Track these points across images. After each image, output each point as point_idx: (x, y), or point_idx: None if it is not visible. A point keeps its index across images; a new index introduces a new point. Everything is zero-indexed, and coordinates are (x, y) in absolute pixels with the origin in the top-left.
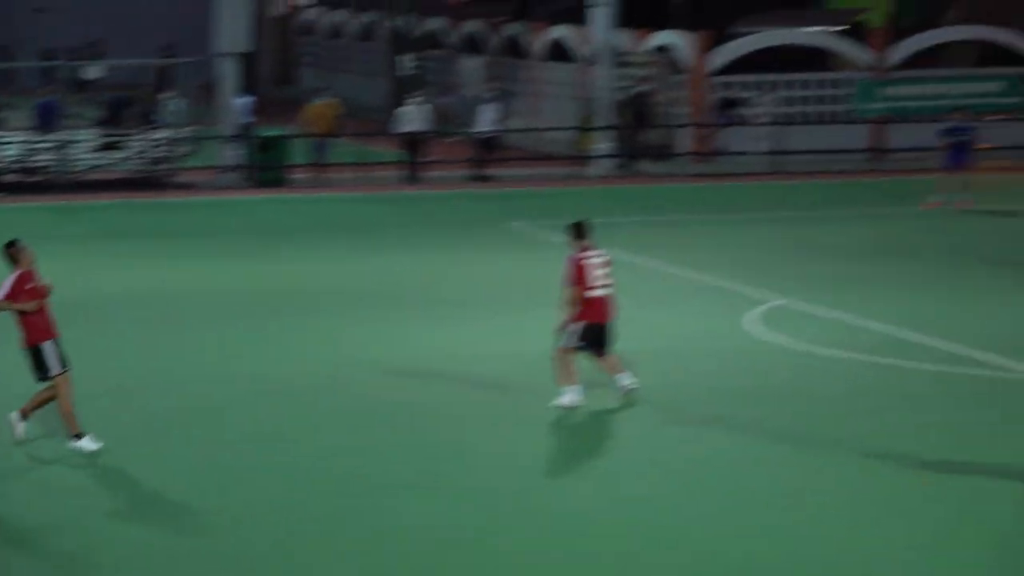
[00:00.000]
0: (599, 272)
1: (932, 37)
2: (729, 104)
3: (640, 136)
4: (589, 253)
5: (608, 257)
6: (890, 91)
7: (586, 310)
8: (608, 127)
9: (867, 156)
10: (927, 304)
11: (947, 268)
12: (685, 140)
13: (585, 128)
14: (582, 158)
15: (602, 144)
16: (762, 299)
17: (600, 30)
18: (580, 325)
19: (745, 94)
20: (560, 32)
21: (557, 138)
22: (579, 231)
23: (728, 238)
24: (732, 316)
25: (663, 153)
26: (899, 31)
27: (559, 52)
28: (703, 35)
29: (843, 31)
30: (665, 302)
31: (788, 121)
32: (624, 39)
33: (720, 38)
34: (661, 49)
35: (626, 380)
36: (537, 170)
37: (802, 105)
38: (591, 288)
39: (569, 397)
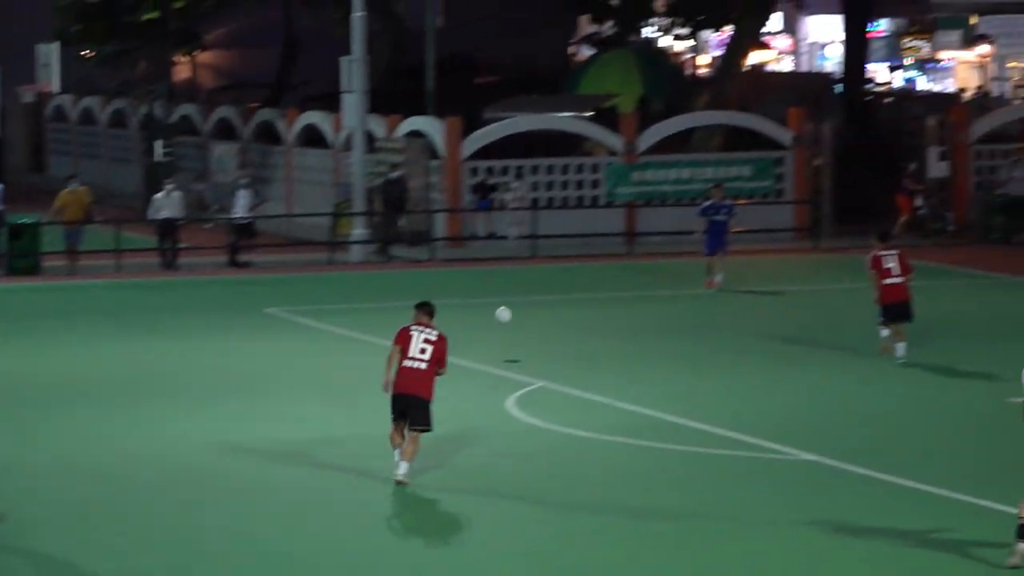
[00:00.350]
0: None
1: (680, 122)
2: (483, 189)
3: (395, 222)
4: (419, 327)
5: (436, 335)
6: (640, 175)
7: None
8: (364, 213)
9: (620, 240)
10: (683, 385)
11: (702, 349)
12: (440, 225)
13: (341, 214)
14: (339, 244)
15: (358, 230)
16: (523, 382)
17: (352, 116)
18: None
19: (500, 179)
20: (313, 118)
21: (313, 224)
22: (423, 308)
23: (486, 322)
24: (494, 399)
25: (419, 239)
26: (648, 117)
27: (313, 138)
28: (455, 121)
29: (593, 116)
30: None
31: (543, 205)
32: (377, 125)
33: (472, 124)
34: (414, 135)
35: (401, 470)
36: (294, 256)
37: (556, 190)
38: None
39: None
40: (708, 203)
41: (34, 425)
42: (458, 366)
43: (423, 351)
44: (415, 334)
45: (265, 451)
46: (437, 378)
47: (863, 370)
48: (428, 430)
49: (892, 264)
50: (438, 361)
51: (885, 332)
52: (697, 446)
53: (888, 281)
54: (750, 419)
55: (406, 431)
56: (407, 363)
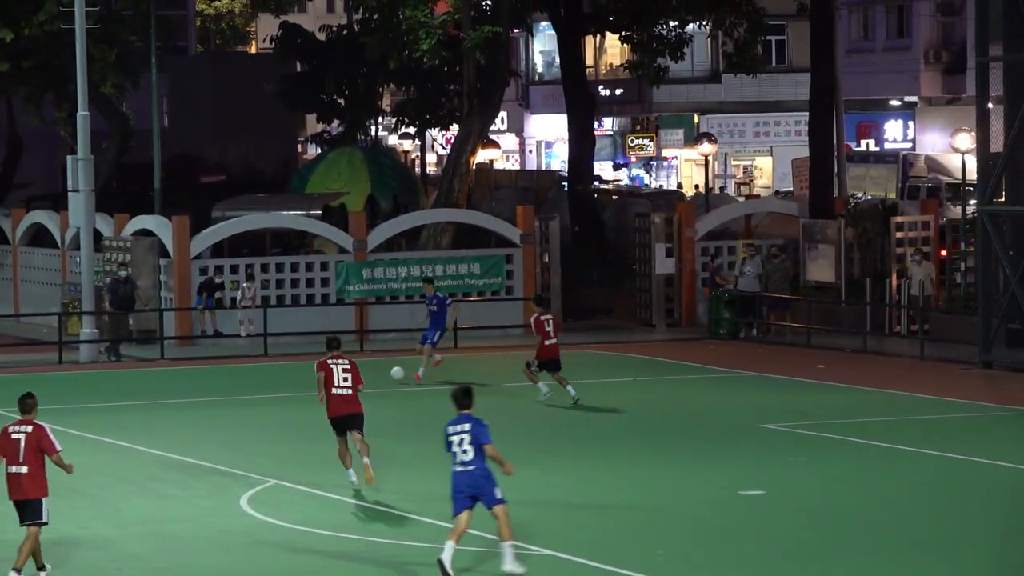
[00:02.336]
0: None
1: (409, 220)
2: (211, 287)
3: (125, 321)
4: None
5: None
6: (371, 273)
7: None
8: (93, 312)
9: (351, 337)
10: (408, 480)
11: (425, 443)
12: (169, 324)
13: (69, 313)
14: (68, 344)
15: (87, 329)
16: (254, 480)
17: (79, 215)
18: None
19: (228, 277)
20: (40, 217)
21: (42, 323)
22: (331, 344)
23: (217, 420)
24: (227, 497)
25: (148, 338)
26: (377, 214)
27: (39, 237)
28: (182, 219)
29: (323, 214)
30: (163, 484)
31: (273, 303)
32: (105, 224)
33: (200, 223)
34: (142, 233)
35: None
36: (22, 356)
37: (286, 287)
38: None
39: None
40: (428, 296)
41: None
42: (190, 464)
43: (346, 379)
44: (334, 366)
45: None
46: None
47: (595, 462)
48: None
49: (550, 328)
50: (358, 381)
51: (544, 388)
52: (434, 543)
53: (548, 342)
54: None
55: (350, 443)
56: (336, 391)
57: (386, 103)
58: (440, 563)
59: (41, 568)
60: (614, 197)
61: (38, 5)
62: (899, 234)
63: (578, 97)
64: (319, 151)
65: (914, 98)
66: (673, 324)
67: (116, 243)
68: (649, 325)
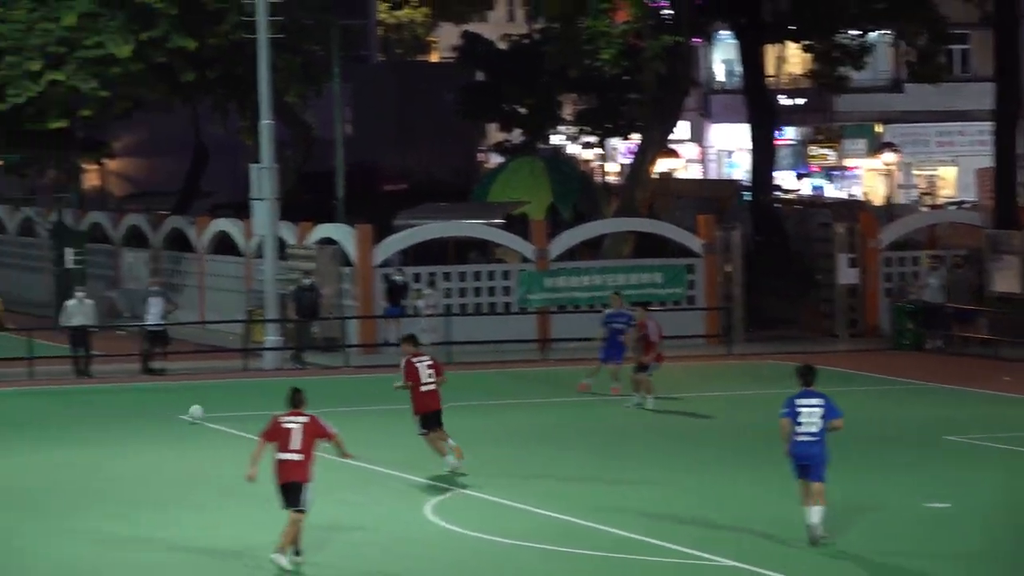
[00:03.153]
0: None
1: (590, 229)
2: (394, 291)
3: (309, 329)
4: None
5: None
6: (552, 282)
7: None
8: (277, 320)
9: (533, 346)
10: (596, 490)
11: (615, 455)
12: (353, 332)
13: (254, 321)
14: (252, 351)
15: (271, 337)
16: (439, 488)
17: (263, 223)
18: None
19: (412, 285)
20: (224, 225)
21: (227, 331)
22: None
23: (400, 428)
24: (411, 505)
25: (332, 345)
26: (558, 223)
27: (224, 245)
28: (366, 228)
29: (504, 224)
30: (345, 492)
31: (455, 312)
32: (288, 232)
33: (382, 231)
34: (325, 241)
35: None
36: (207, 363)
37: (468, 296)
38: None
39: None
40: (608, 311)
41: None
42: (374, 472)
43: (430, 375)
44: (419, 365)
45: (180, 559)
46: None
47: (772, 475)
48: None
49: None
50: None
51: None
52: (611, 551)
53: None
54: (664, 524)
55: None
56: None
57: (567, 112)
58: (810, 528)
59: (297, 553)
60: (796, 207)
61: (221, 15)
62: None
63: (759, 106)
64: (500, 160)
65: None
66: (856, 334)
67: (300, 251)
68: (832, 335)
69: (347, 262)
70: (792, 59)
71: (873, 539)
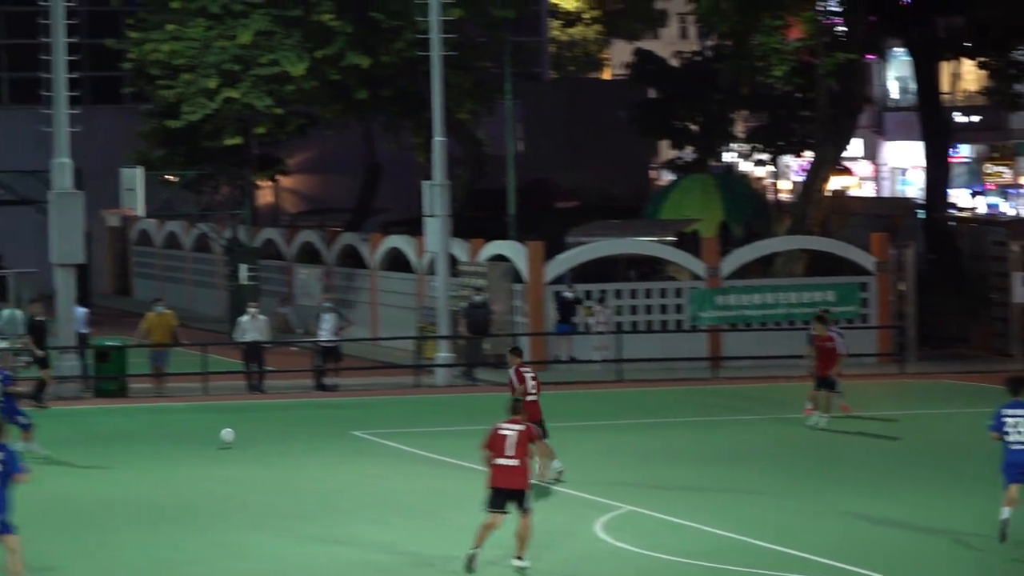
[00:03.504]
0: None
1: (763, 247)
2: (565, 307)
3: (479, 345)
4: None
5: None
6: (724, 299)
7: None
8: (448, 336)
9: (704, 364)
10: (773, 510)
11: (791, 474)
12: (524, 349)
13: (425, 337)
14: (424, 367)
15: (443, 353)
16: (610, 506)
17: (435, 240)
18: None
19: (584, 302)
20: (397, 242)
21: (398, 347)
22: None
23: (571, 445)
24: (582, 522)
25: (502, 362)
26: (729, 241)
27: (396, 261)
28: (537, 245)
29: (675, 241)
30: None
31: (626, 329)
32: (460, 249)
33: (553, 248)
34: (497, 258)
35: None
36: (379, 379)
37: (639, 314)
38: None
39: None
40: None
41: (113, 548)
42: (544, 489)
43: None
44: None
45: (355, 574)
46: None
47: (960, 495)
48: None
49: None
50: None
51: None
52: (783, 571)
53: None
54: (845, 546)
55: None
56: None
57: (739, 129)
58: (1003, 523)
59: (519, 558)
60: (970, 225)
61: (396, 33)
62: None
63: (934, 123)
64: (671, 177)
65: None
66: None
67: (471, 268)
68: (1006, 355)
69: (518, 279)
70: (967, 76)
71: None
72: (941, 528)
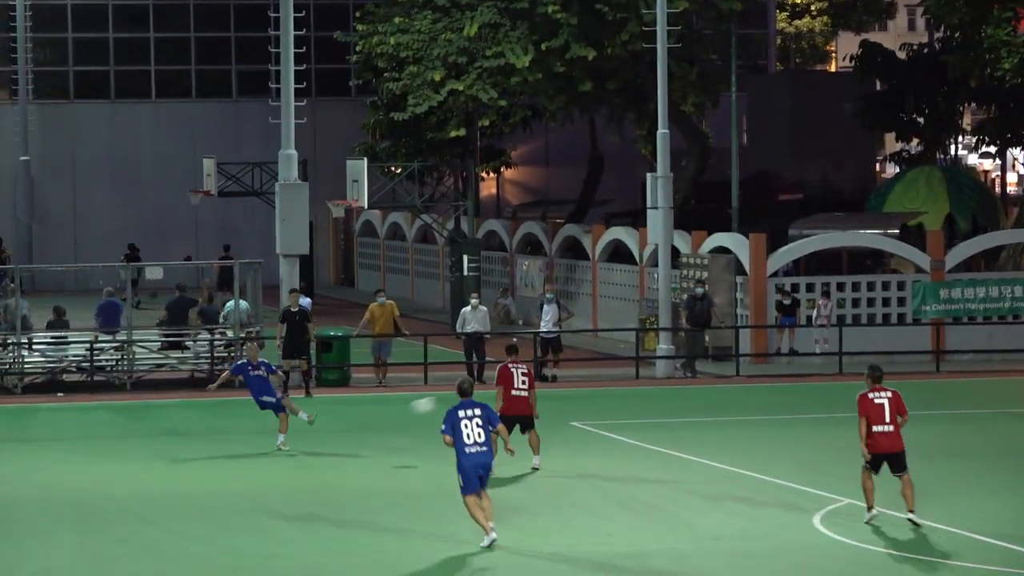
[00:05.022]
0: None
1: (989, 240)
2: (787, 305)
3: (700, 338)
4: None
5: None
6: (948, 293)
7: None
8: (668, 328)
9: (927, 357)
10: (995, 506)
11: (1013, 470)
12: (745, 342)
13: (647, 329)
14: (644, 359)
15: (664, 345)
16: (828, 499)
17: (658, 232)
18: None
19: (804, 295)
20: (619, 233)
21: (618, 338)
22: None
23: (791, 439)
24: (801, 516)
25: (723, 355)
26: (954, 234)
27: (618, 253)
28: (759, 237)
29: (899, 234)
30: (735, 501)
31: (848, 322)
32: (682, 241)
33: (776, 240)
34: (719, 251)
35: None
36: (598, 370)
37: (861, 306)
38: None
39: None
40: None
41: (348, 537)
42: (761, 482)
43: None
44: (514, 370)
45: (575, 565)
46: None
47: None
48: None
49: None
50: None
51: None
52: (1000, 566)
53: (514, 392)
54: None
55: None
56: (514, 392)
57: (966, 122)
58: None
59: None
60: None
61: (621, 25)
62: None
63: None
64: (897, 170)
65: None
66: None
67: (693, 260)
68: None
69: (741, 271)
70: None
71: None
72: None
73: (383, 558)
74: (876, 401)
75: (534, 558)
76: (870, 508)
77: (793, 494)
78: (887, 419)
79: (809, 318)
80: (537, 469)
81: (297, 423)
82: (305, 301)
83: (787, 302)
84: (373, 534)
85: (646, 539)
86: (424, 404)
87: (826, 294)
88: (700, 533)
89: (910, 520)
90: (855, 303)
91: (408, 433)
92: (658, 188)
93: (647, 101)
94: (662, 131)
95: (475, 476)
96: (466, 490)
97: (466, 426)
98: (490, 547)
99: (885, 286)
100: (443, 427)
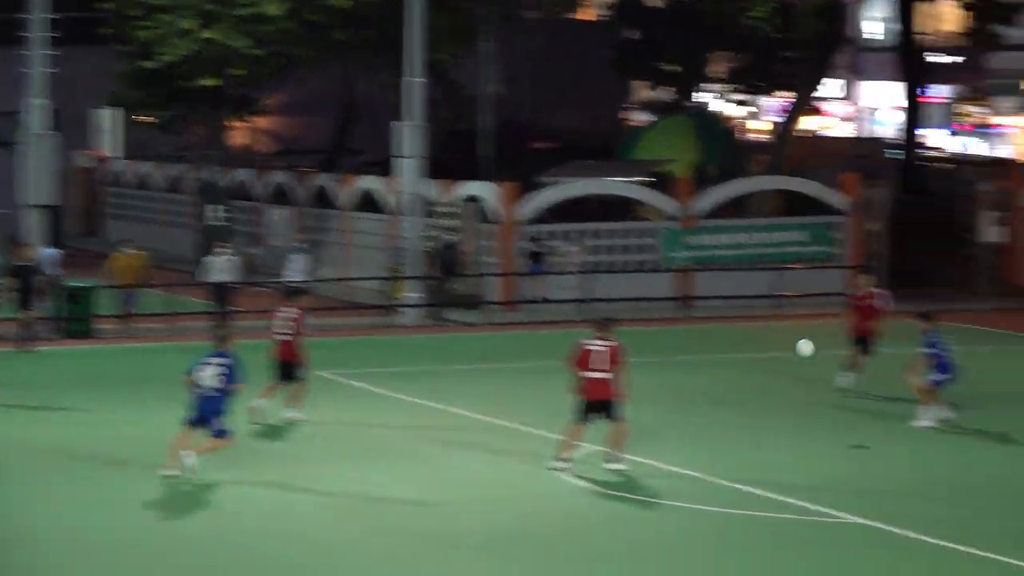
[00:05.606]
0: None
1: (736, 187)
2: (537, 253)
3: (449, 286)
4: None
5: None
6: (695, 240)
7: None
8: (418, 277)
9: (674, 304)
10: (739, 451)
11: (753, 414)
12: (494, 289)
13: (396, 277)
14: (392, 307)
15: (412, 294)
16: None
17: (408, 181)
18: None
19: (553, 243)
20: (369, 183)
21: (367, 288)
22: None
23: (540, 386)
24: (543, 462)
25: (473, 302)
26: (703, 182)
27: (368, 203)
28: (510, 186)
29: (648, 181)
30: (482, 449)
31: (596, 269)
32: (432, 190)
33: (528, 189)
34: (469, 199)
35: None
36: (347, 320)
37: (610, 254)
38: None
39: None
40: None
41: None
42: (509, 429)
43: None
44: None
45: (312, 511)
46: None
47: (906, 433)
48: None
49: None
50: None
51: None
52: (744, 509)
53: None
54: (797, 483)
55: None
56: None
57: (719, 70)
58: None
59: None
60: (944, 165)
61: None
62: None
63: (911, 64)
64: (648, 118)
65: None
66: (1001, 293)
67: (444, 208)
68: (975, 294)
69: (491, 219)
70: (945, 16)
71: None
72: (888, 466)
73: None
74: (590, 348)
75: (278, 508)
76: (565, 459)
77: (539, 441)
78: (599, 366)
79: (559, 266)
80: (294, 421)
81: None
82: (50, 252)
83: (537, 250)
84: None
85: (390, 484)
86: (805, 347)
87: (575, 241)
88: (446, 480)
89: (609, 467)
90: (605, 250)
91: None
92: (409, 137)
93: (401, 50)
94: (416, 79)
95: (195, 412)
96: (185, 421)
97: (202, 370)
98: (166, 479)
99: (635, 233)
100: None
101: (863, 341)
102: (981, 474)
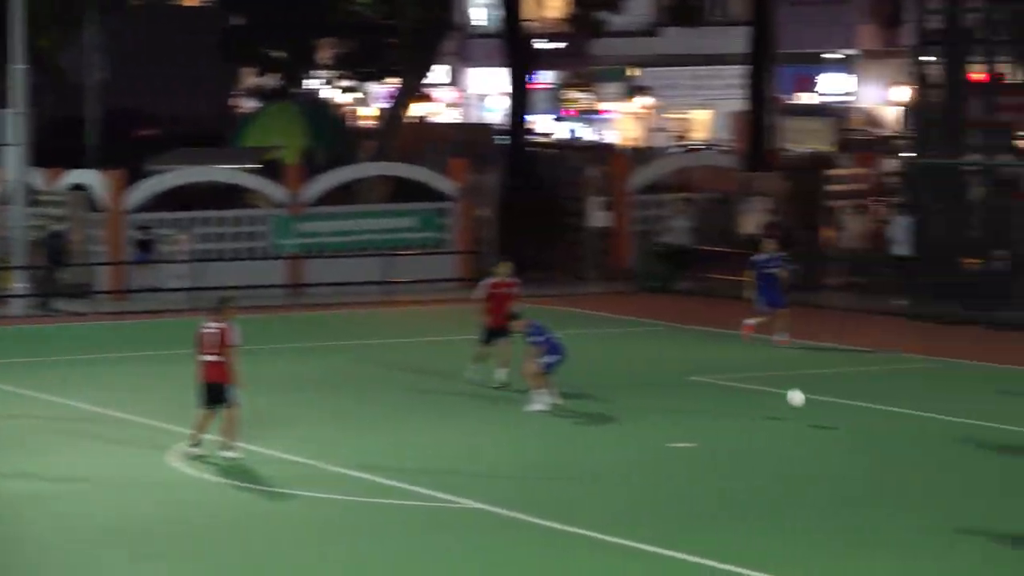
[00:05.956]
0: None
1: (344, 174)
2: (145, 241)
3: (56, 275)
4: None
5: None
6: (304, 227)
7: None
8: (24, 267)
9: (285, 291)
10: (354, 438)
11: (363, 400)
12: (103, 278)
13: (0, 267)
14: None
15: (18, 284)
16: (186, 436)
17: (12, 169)
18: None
19: (162, 231)
20: None
21: None
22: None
23: (149, 376)
24: (157, 452)
25: (80, 292)
26: (313, 168)
27: None
28: (117, 173)
29: (257, 168)
30: (93, 439)
31: (206, 258)
32: (38, 178)
33: (135, 177)
34: (76, 188)
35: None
36: None
37: (220, 241)
38: None
39: None
40: (762, 257)
41: None
42: (121, 420)
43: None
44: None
45: None
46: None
47: (519, 419)
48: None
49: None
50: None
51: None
52: (362, 496)
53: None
54: (413, 469)
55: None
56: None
57: (325, 56)
58: None
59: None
60: (551, 151)
61: None
62: (835, 187)
63: (516, 50)
64: (255, 105)
65: (854, 51)
66: (607, 277)
67: (50, 197)
68: (582, 278)
69: (99, 208)
70: (550, 2)
71: (614, 478)
72: (497, 450)
73: None
74: (204, 331)
75: None
76: (194, 444)
77: (153, 431)
78: (210, 349)
79: (168, 254)
80: None
81: None
82: None
83: (146, 238)
84: None
85: (14, 479)
86: (796, 397)
87: (185, 229)
88: (56, 471)
89: (224, 456)
90: (216, 238)
91: None
92: (13, 125)
93: (3, 36)
94: (18, 66)
95: None
96: None
97: None
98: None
99: (244, 221)
100: None
101: (497, 332)
102: (588, 457)
